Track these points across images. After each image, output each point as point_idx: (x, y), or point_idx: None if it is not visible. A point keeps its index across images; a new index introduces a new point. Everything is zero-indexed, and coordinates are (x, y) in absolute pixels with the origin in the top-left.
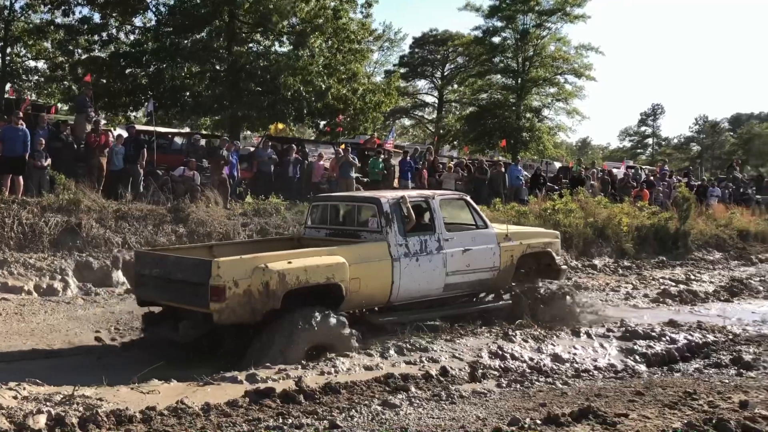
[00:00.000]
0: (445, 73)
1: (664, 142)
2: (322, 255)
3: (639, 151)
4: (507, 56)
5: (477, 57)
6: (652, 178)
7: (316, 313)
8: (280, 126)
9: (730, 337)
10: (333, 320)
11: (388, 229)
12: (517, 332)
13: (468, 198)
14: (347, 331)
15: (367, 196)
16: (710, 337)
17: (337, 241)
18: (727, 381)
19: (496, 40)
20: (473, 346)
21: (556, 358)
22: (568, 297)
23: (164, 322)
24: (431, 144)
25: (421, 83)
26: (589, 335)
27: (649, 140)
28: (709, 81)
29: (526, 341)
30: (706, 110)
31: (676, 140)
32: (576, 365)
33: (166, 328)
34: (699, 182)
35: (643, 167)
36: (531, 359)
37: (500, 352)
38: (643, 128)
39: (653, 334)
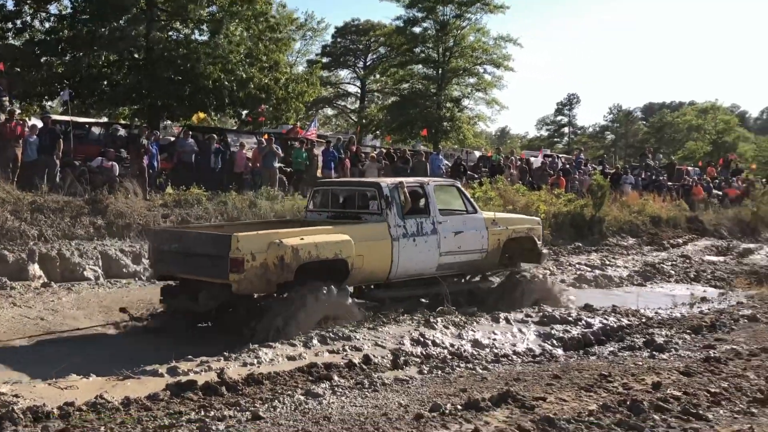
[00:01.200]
0: (368, 63)
1: (579, 131)
2: (330, 233)
3: (556, 140)
4: (428, 47)
5: (398, 47)
6: (568, 166)
7: (326, 288)
8: (201, 115)
9: (644, 320)
10: (341, 293)
11: (388, 211)
12: (439, 319)
13: (459, 185)
14: (352, 303)
15: (368, 181)
16: (624, 321)
17: (340, 223)
18: (640, 363)
19: (416, 30)
20: (395, 334)
21: (476, 343)
22: (550, 280)
23: (182, 294)
24: (354, 133)
25: (344, 73)
26: (508, 321)
27: (566, 129)
28: (622, 71)
29: (447, 328)
30: (620, 100)
31: (591, 129)
32: (495, 350)
33: (186, 299)
34: (613, 170)
35: (560, 156)
36: (452, 345)
37: (422, 339)
38: (559, 117)
39: (570, 318)
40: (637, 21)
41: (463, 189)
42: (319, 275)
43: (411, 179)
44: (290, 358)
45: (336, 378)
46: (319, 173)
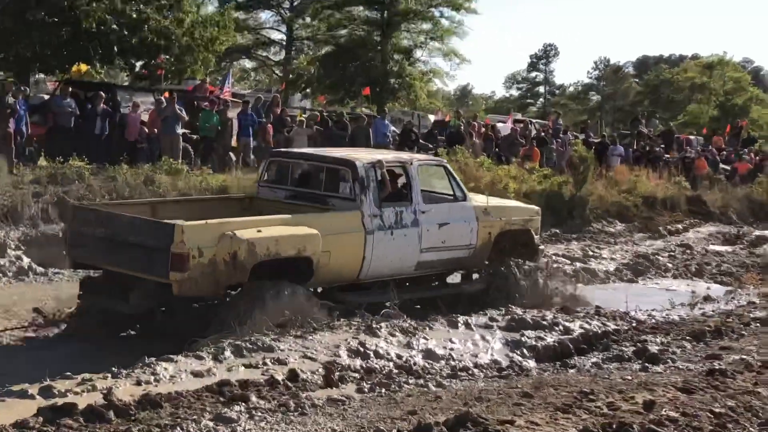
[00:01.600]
0: (295, 3)
1: (558, 91)
2: (292, 224)
3: (529, 101)
4: None
5: None
6: (543, 134)
7: (287, 290)
8: (83, 68)
9: (634, 324)
10: (306, 298)
11: (363, 197)
12: (383, 324)
13: (447, 164)
14: (315, 308)
15: (340, 157)
16: (611, 326)
17: (300, 206)
18: (629, 377)
19: None
20: (329, 343)
21: (429, 354)
22: (541, 280)
23: (108, 290)
24: (278, 92)
25: (265, 15)
26: (468, 326)
27: (541, 88)
28: (611, 17)
29: (394, 335)
30: (608, 52)
31: (572, 88)
32: (453, 363)
33: (112, 297)
34: (599, 139)
35: (534, 121)
36: (399, 357)
37: (362, 350)
38: (533, 74)
39: (544, 323)
40: None
41: (451, 169)
42: (276, 275)
43: (390, 156)
44: (196, 375)
45: (254, 399)
46: (233, 141)
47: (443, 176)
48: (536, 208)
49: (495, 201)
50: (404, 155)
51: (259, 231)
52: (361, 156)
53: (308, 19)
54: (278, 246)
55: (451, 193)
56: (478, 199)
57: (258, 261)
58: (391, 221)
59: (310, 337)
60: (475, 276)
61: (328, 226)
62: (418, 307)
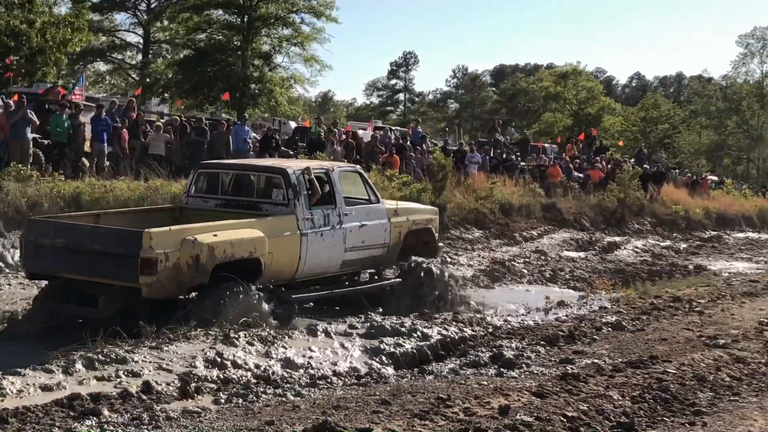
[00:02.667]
0: (152, 5)
1: (417, 99)
2: (241, 228)
3: (389, 108)
4: None
5: None
6: (402, 141)
7: (242, 289)
8: None
9: (490, 330)
10: (255, 296)
11: (296, 201)
12: (241, 334)
13: (362, 171)
14: (266, 307)
15: (271, 166)
16: (468, 331)
17: (231, 213)
18: (485, 383)
19: None
20: (185, 354)
21: (288, 363)
22: (446, 275)
23: (71, 297)
24: (134, 96)
25: (121, 17)
26: (328, 334)
27: (401, 96)
28: (469, 27)
29: (252, 344)
30: (466, 61)
31: (431, 96)
32: (312, 371)
33: (78, 304)
34: (457, 146)
35: (394, 128)
36: (257, 366)
37: (219, 360)
38: (393, 81)
39: (403, 330)
40: None
41: (365, 175)
42: (227, 275)
43: (315, 164)
44: (45, 389)
45: (106, 412)
46: (87, 147)
47: (359, 182)
48: (435, 209)
49: (402, 204)
50: (326, 163)
51: (215, 235)
52: (291, 164)
53: (166, 22)
54: (234, 248)
55: (366, 197)
56: (389, 202)
57: (217, 263)
58: (320, 223)
59: (166, 348)
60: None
61: (271, 229)
62: (337, 308)
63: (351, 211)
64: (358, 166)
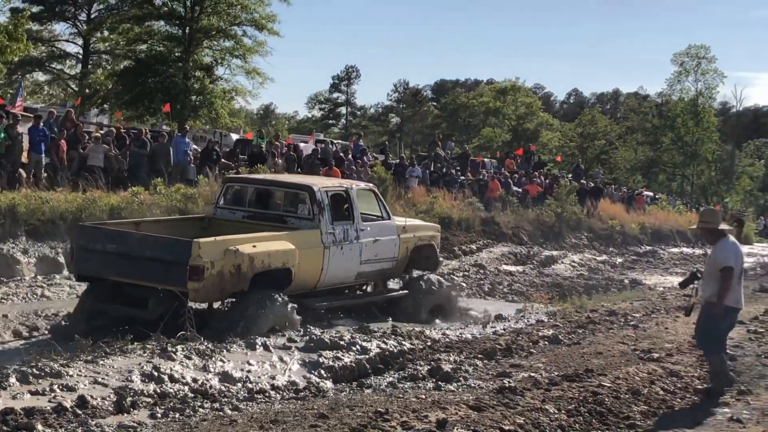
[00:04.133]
0: (92, 16)
1: (359, 112)
2: (275, 240)
3: (331, 122)
4: None
5: None
6: (343, 154)
7: (278, 296)
8: None
9: (429, 343)
10: (288, 304)
11: (321, 216)
12: (179, 347)
13: (376, 189)
14: (296, 315)
15: (298, 183)
16: (407, 345)
17: (260, 225)
18: (423, 396)
19: None
20: (122, 368)
21: (225, 377)
22: (446, 286)
23: (120, 298)
24: (73, 107)
25: (60, 27)
26: (266, 347)
27: (343, 109)
28: (410, 42)
29: (190, 358)
30: (407, 76)
31: (373, 110)
32: (250, 385)
33: (129, 305)
34: (397, 160)
35: (336, 142)
36: (195, 380)
37: (156, 374)
38: (335, 95)
39: (342, 343)
40: None
41: (379, 193)
42: (263, 283)
43: (335, 182)
44: None
45: (40, 427)
46: (24, 157)
47: (372, 199)
48: (437, 226)
49: (410, 221)
50: (345, 182)
51: (254, 246)
52: (316, 181)
53: (106, 33)
54: (270, 259)
55: (379, 213)
56: (398, 219)
57: (256, 272)
58: (341, 237)
59: (102, 362)
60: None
61: (299, 242)
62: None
63: (367, 227)
64: (372, 185)
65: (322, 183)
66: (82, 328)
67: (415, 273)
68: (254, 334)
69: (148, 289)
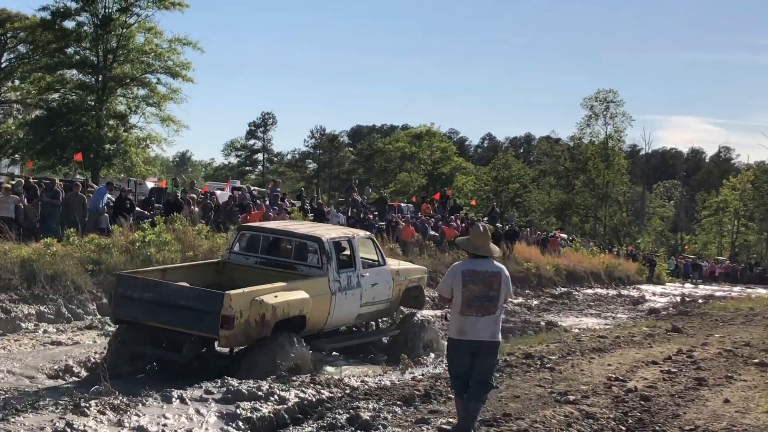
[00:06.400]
0: (3, 65)
1: (276, 158)
2: (293, 290)
3: (248, 168)
4: (84, 47)
5: (45, 46)
6: (259, 201)
7: (295, 340)
8: None
9: (348, 391)
10: (304, 346)
11: (329, 266)
12: (92, 402)
13: (374, 237)
14: (309, 354)
15: (307, 234)
16: (325, 393)
17: (272, 271)
18: None
19: (69, 25)
20: (33, 425)
21: None
22: (430, 326)
23: (154, 342)
24: None
25: None
26: (183, 400)
27: (260, 156)
28: (326, 88)
29: (104, 413)
30: (324, 122)
31: (290, 156)
32: None
33: (163, 348)
34: (316, 205)
35: (253, 188)
36: None
37: (69, 431)
38: (252, 141)
39: (260, 393)
40: (336, 34)
41: (376, 241)
42: (281, 327)
43: (340, 233)
44: None
45: None
46: None
47: (370, 245)
48: (425, 268)
49: (402, 264)
50: (349, 231)
51: (276, 296)
52: (323, 232)
53: (17, 82)
54: (289, 308)
55: (376, 259)
56: (391, 262)
57: (278, 319)
58: (345, 284)
59: (13, 420)
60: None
61: (312, 290)
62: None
63: (366, 273)
64: (370, 234)
65: (329, 234)
66: (123, 370)
67: (405, 311)
68: (274, 375)
69: (181, 334)
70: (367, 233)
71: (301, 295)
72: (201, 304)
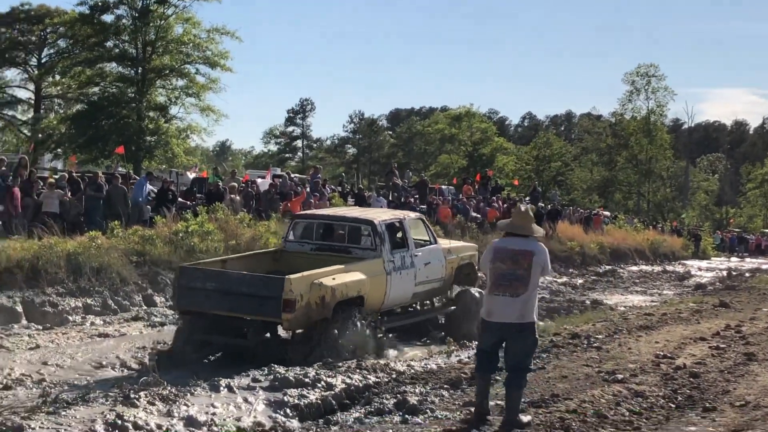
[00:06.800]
0: (43, 60)
1: (315, 145)
2: (350, 272)
3: (288, 155)
4: (123, 39)
5: (84, 40)
6: (299, 187)
7: (356, 321)
8: None
9: (394, 376)
10: (365, 327)
11: (382, 247)
12: (141, 394)
13: (424, 218)
14: (371, 334)
15: (360, 217)
16: (372, 378)
17: (327, 256)
18: (391, 431)
19: (108, 18)
20: (84, 418)
21: (190, 421)
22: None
23: (219, 329)
24: (26, 153)
25: (11, 73)
26: (231, 389)
27: (299, 142)
28: (364, 72)
29: (153, 404)
30: (362, 106)
31: (329, 142)
32: (216, 429)
33: (229, 335)
34: (356, 190)
35: (294, 175)
36: (159, 427)
37: (120, 422)
38: (291, 128)
39: (307, 380)
40: (371, 21)
41: (426, 221)
42: (341, 309)
43: (390, 215)
44: None
45: None
46: None
47: (421, 226)
48: (476, 245)
49: (453, 243)
50: (399, 213)
51: (334, 279)
52: (375, 215)
53: (58, 77)
54: (348, 289)
55: (427, 239)
56: (443, 242)
57: (337, 301)
58: (400, 264)
59: (64, 413)
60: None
61: (368, 271)
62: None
63: (419, 252)
64: (420, 214)
65: (380, 216)
66: (190, 358)
67: (457, 288)
68: (337, 356)
69: (244, 320)
70: (418, 214)
71: (358, 276)
72: (263, 289)
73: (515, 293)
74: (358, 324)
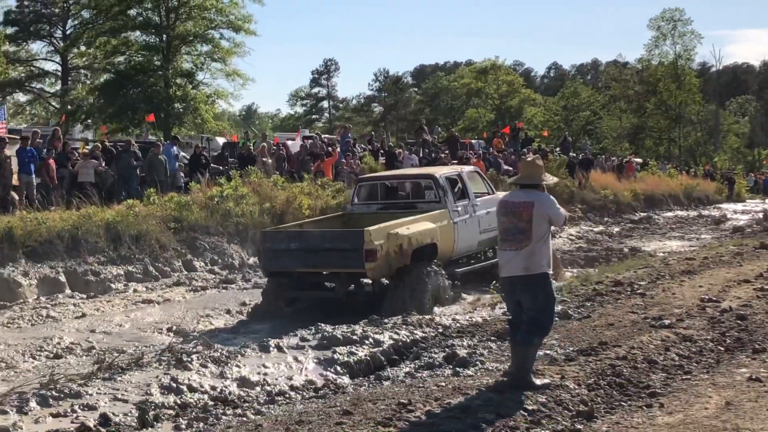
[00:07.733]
0: (68, 32)
1: (342, 105)
2: (420, 222)
3: (314, 117)
4: (146, 7)
5: (108, 9)
6: (330, 148)
7: (433, 268)
8: None
9: (440, 330)
10: (442, 275)
11: (446, 198)
12: (194, 357)
13: (480, 171)
14: (447, 283)
15: (421, 173)
16: (419, 333)
17: (394, 213)
18: (443, 384)
19: None
20: (140, 382)
21: (243, 382)
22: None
23: (306, 285)
24: (58, 125)
25: (37, 46)
26: (280, 349)
27: (325, 103)
28: (387, 30)
29: (206, 366)
30: (386, 64)
31: (355, 101)
32: (269, 388)
33: (317, 289)
34: (387, 148)
35: (323, 136)
36: (213, 388)
37: (174, 385)
38: (316, 89)
39: (354, 337)
40: None
41: (482, 173)
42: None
43: (447, 170)
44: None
45: None
46: (14, 180)
47: (478, 179)
48: None
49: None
50: (456, 167)
51: (408, 228)
52: (435, 170)
53: (83, 48)
54: (422, 237)
55: (485, 190)
56: (500, 194)
57: (414, 248)
58: (464, 212)
59: (119, 378)
60: None
61: (435, 220)
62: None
63: (479, 202)
64: (476, 168)
65: (440, 171)
66: (281, 313)
67: None
68: (417, 305)
69: (329, 274)
70: (473, 167)
71: (429, 225)
72: (345, 243)
73: (519, 246)
74: (435, 271)
